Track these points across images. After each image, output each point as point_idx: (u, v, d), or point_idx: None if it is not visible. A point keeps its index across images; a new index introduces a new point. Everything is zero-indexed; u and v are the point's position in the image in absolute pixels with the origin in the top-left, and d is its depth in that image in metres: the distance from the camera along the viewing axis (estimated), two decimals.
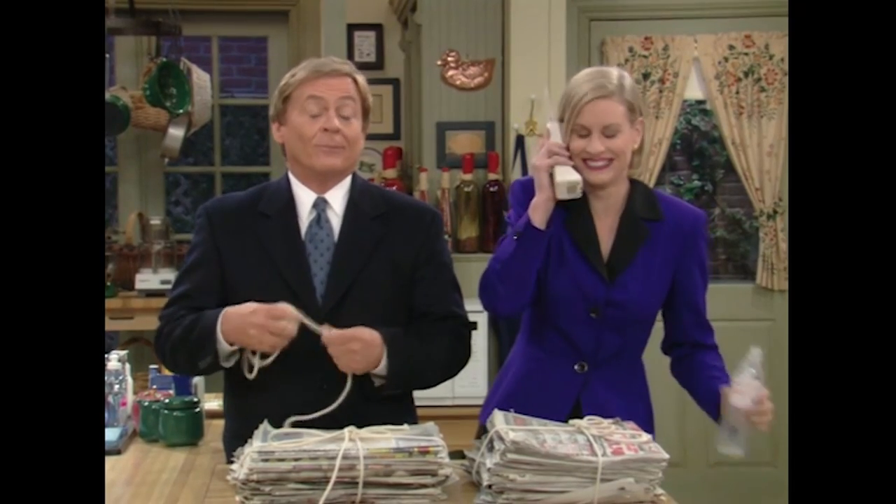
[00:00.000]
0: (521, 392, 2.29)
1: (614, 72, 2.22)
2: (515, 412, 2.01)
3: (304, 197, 2.25)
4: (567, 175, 2.17)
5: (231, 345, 2.10)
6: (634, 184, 2.29)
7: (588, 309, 2.23)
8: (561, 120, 2.22)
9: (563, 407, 2.22)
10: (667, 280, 2.26)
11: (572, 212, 2.24)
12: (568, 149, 2.19)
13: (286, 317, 2.05)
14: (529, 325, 2.35)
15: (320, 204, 2.24)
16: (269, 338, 2.05)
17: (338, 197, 2.25)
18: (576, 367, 2.26)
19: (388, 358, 2.10)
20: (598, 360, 2.26)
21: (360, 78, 2.26)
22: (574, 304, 2.23)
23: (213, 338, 2.09)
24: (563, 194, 2.17)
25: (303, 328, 2.06)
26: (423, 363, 2.18)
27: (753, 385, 2.08)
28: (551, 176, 2.17)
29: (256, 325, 2.05)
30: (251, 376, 2.10)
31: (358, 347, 2.08)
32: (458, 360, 2.27)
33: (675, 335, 2.33)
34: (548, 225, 2.18)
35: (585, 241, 2.23)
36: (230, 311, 2.10)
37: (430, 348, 2.18)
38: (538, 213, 2.18)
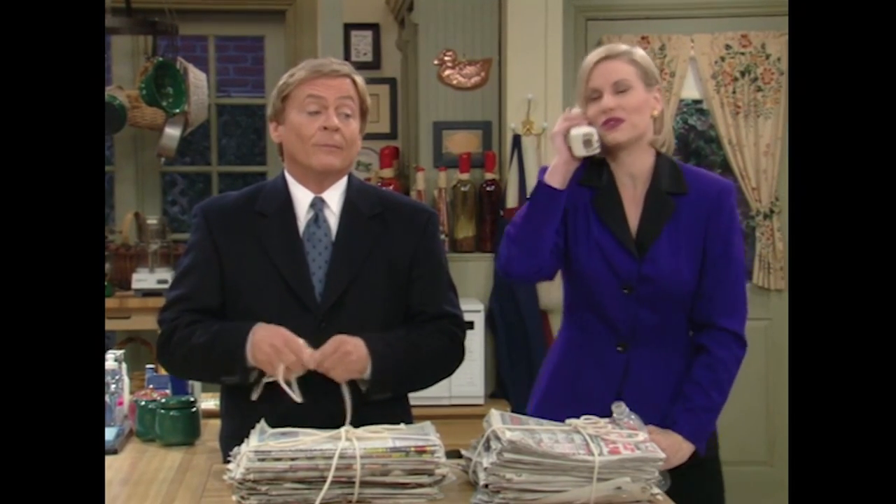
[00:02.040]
0: (565, 378, 2.30)
1: (623, 44, 2.30)
2: (560, 401, 2.02)
3: (301, 196, 2.24)
4: (581, 129, 2.21)
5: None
6: (660, 156, 2.30)
7: (621, 286, 2.24)
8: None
9: (608, 391, 2.21)
10: (697, 254, 2.24)
11: (599, 189, 2.27)
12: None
13: (300, 353, 2.06)
14: (568, 310, 2.37)
15: (318, 203, 2.24)
16: (277, 362, 2.05)
17: (335, 196, 2.25)
18: (618, 348, 2.26)
19: (372, 362, 2.10)
20: (637, 339, 2.25)
21: (359, 79, 2.27)
22: (607, 281, 2.24)
23: (242, 354, 2.09)
24: (579, 150, 2.21)
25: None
26: (411, 365, 2.17)
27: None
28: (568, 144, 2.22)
29: (274, 345, 2.05)
30: (254, 397, 2.10)
31: (351, 348, 2.08)
32: (450, 359, 2.26)
33: (694, 311, 2.27)
34: (565, 188, 2.22)
35: (612, 218, 2.25)
36: (259, 329, 2.10)
37: (418, 350, 2.18)
38: (555, 175, 2.23)
